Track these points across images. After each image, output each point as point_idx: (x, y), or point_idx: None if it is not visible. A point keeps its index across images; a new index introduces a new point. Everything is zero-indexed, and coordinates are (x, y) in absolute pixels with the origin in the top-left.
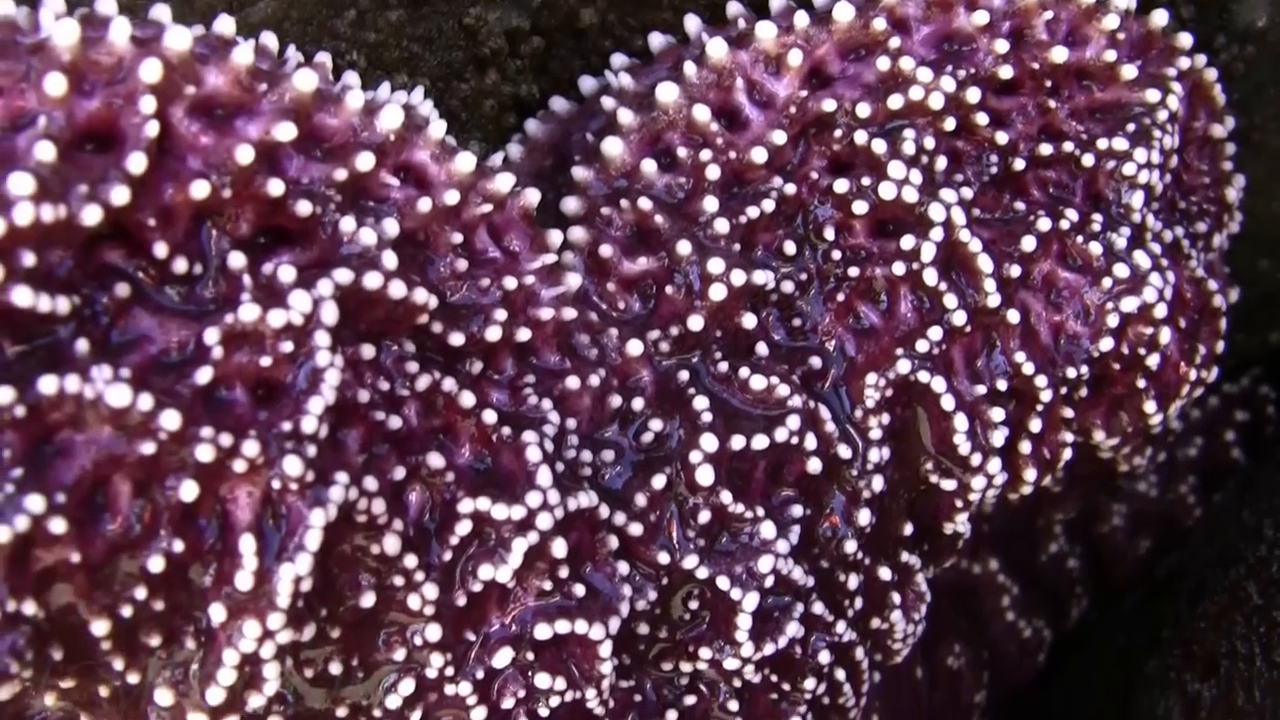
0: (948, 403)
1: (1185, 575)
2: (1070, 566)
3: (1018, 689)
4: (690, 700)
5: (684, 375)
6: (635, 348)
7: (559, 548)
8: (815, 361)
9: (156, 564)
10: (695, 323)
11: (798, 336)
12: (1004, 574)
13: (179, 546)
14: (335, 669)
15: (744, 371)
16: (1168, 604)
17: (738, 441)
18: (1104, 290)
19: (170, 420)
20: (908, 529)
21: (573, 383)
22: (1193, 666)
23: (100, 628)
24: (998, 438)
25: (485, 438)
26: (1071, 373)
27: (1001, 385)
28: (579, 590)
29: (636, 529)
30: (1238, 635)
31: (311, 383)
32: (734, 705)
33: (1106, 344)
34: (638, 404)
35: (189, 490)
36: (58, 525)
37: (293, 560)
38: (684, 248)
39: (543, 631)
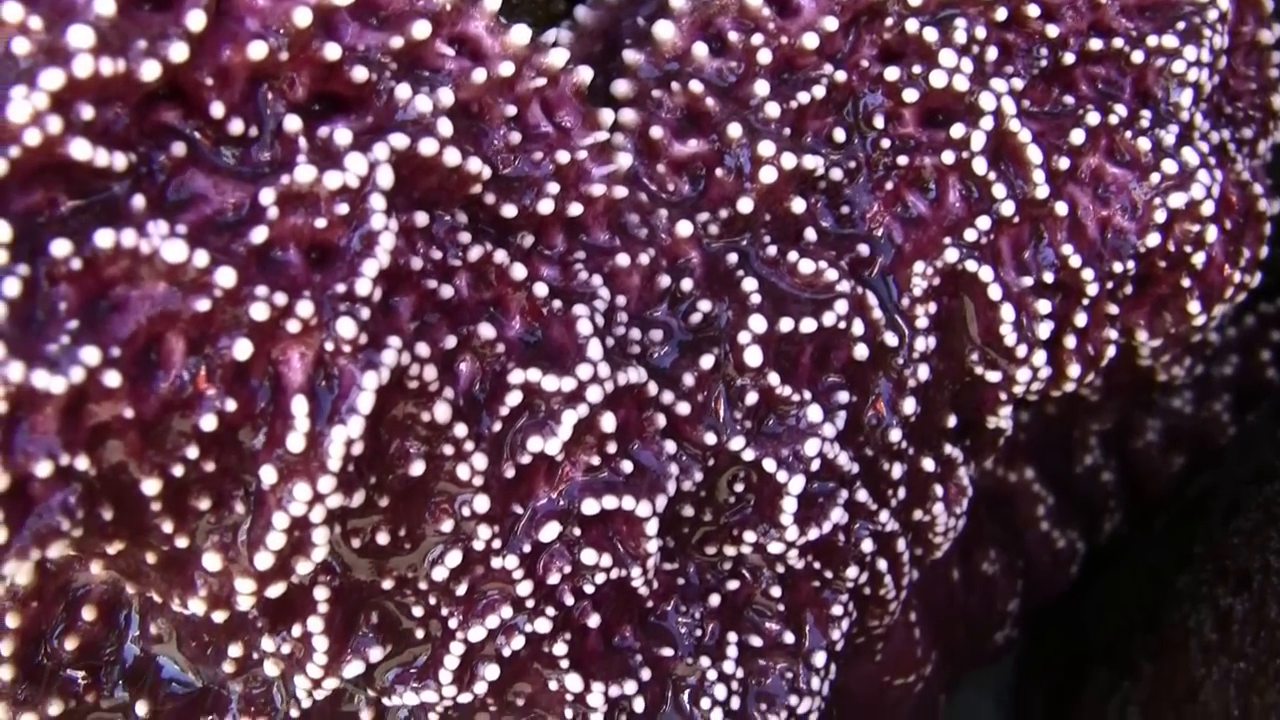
0: (994, 292)
1: (1218, 493)
2: (1104, 480)
3: (1049, 600)
4: (733, 585)
5: (733, 258)
6: (685, 229)
7: (608, 422)
8: (863, 249)
9: (208, 423)
10: (745, 205)
11: (845, 224)
12: (1040, 484)
13: (231, 406)
14: (382, 539)
15: (792, 256)
16: (1200, 522)
17: (786, 324)
18: (1151, 186)
19: (225, 277)
20: (951, 421)
21: (622, 260)
22: (1225, 581)
23: (151, 487)
24: (1044, 330)
25: (536, 310)
26: (1118, 267)
27: (1048, 278)
28: (626, 467)
29: (684, 408)
30: (1271, 550)
31: (366, 245)
32: (776, 591)
33: (1153, 240)
34: (686, 285)
35: (243, 349)
36: (112, 379)
37: (345, 423)
38: (735, 130)
39: (590, 507)
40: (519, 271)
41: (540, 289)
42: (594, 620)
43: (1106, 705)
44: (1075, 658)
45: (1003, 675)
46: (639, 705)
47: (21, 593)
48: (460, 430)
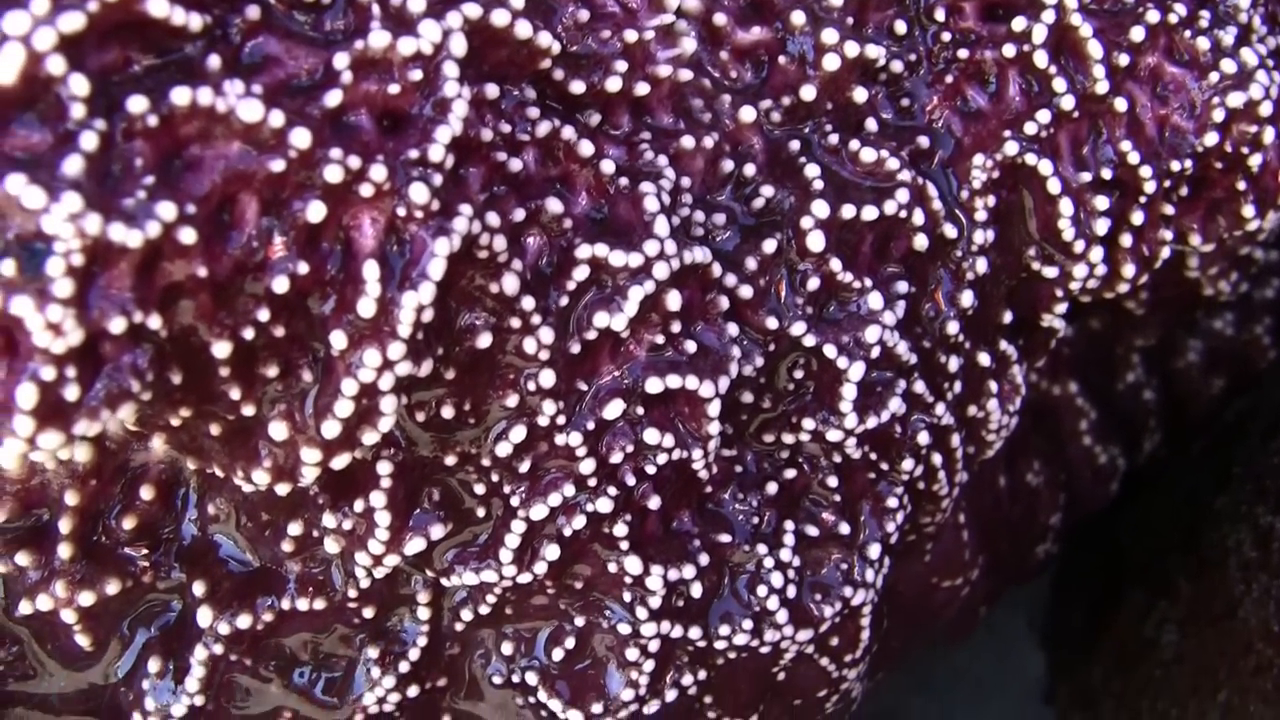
0: (1053, 186)
1: (1257, 416)
2: (1146, 398)
3: (1089, 516)
4: (790, 474)
5: (795, 145)
6: (748, 114)
7: (673, 300)
8: (923, 141)
9: (280, 285)
10: (808, 93)
11: (905, 116)
12: (1083, 398)
13: (303, 269)
14: (447, 413)
15: (854, 144)
16: (1239, 444)
17: (848, 211)
18: (1210, 85)
19: (300, 138)
20: (1007, 317)
21: (687, 142)
22: (1264, 500)
23: (221, 350)
24: (1101, 226)
25: (602, 187)
26: (1175, 166)
27: (1106, 174)
28: (690, 347)
29: (746, 292)
30: None
31: (439, 111)
32: (833, 481)
33: (1211, 139)
34: (749, 170)
35: (315, 211)
36: (187, 236)
37: (416, 289)
38: (798, 18)
39: (653, 385)
40: (586, 148)
41: (607, 166)
42: (654, 502)
43: (1143, 625)
44: (1111, 579)
45: (1036, 598)
46: (696, 590)
47: (80, 470)
48: (528, 303)
